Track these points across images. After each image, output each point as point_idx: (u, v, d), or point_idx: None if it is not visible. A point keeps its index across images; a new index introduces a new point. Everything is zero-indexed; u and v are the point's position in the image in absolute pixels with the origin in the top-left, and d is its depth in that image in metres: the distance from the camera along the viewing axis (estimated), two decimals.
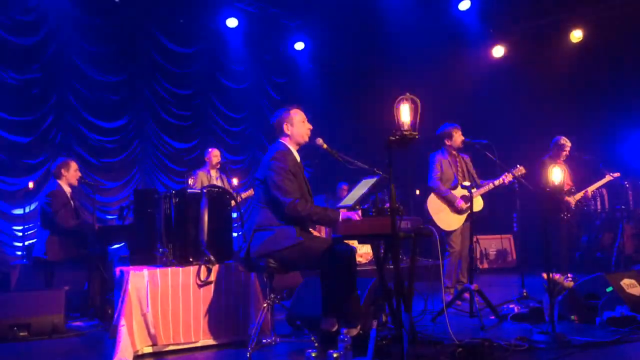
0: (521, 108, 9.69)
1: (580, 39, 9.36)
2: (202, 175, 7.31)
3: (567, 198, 6.47)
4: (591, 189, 6.70)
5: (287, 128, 3.90)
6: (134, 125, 8.86)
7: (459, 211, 5.57)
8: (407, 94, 2.80)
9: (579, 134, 8.34)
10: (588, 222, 8.31)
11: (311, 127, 3.98)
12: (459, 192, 5.60)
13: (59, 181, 5.68)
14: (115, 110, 8.65)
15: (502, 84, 9.68)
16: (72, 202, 5.73)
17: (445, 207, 5.64)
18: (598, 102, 9.03)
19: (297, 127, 3.91)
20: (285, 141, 3.91)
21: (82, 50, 8.22)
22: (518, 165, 5.58)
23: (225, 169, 8.75)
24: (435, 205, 5.65)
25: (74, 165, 5.79)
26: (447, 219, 5.62)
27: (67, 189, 5.71)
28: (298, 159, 3.91)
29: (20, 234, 7.51)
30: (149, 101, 9.05)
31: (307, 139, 3.97)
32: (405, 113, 2.81)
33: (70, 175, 5.72)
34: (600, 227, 8.18)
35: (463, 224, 5.62)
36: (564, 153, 6.56)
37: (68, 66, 8.13)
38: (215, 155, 7.49)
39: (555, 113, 9.24)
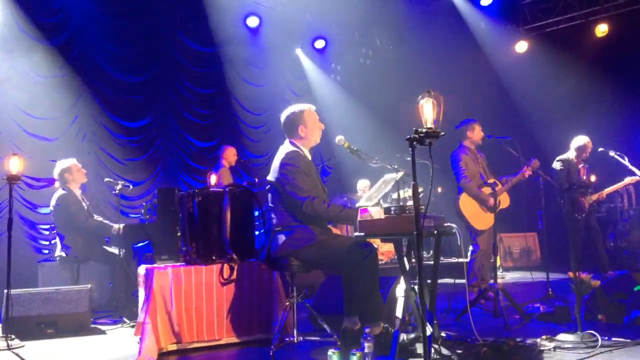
0: (545, 104, 9.55)
1: (606, 33, 9.19)
2: (225, 172, 7.40)
3: (580, 198, 6.36)
4: (607, 191, 6.58)
5: (302, 130, 3.85)
6: (157, 125, 8.95)
7: (491, 209, 5.49)
8: (430, 90, 2.77)
9: (605, 129, 8.19)
10: (615, 220, 8.16)
11: (323, 126, 3.94)
12: (484, 190, 5.54)
13: (68, 185, 5.75)
14: (139, 110, 8.75)
15: (525, 80, 9.55)
16: (84, 202, 5.80)
17: (477, 206, 5.59)
18: (624, 97, 8.85)
19: (312, 129, 3.87)
20: (297, 142, 3.87)
21: (105, 51, 8.33)
22: (533, 159, 5.51)
23: (246, 167, 8.82)
24: (468, 205, 5.60)
25: (75, 166, 5.80)
26: (481, 218, 5.58)
27: (77, 191, 5.77)
28: (309, 157, 3.89)
29: (47, 232, 7.64)
30: (172, 101, 9.13)
31: (318, 140, 3.93)
32: (428, 110, 2.78)
33: (75, 177, 5.76)
34: (628, 225, 8.03)
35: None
36: (584, 155, 6.45)
37: (92, 67, 8.25)
38: (232, 153, 7.58)
39: (580, 108, 9.08)
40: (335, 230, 3.96)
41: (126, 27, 8.44)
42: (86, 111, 8.21)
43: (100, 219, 5.97)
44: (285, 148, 3.86)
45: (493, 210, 5.28)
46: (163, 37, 8.94)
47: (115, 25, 8.33)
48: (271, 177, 3.82)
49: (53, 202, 5.77)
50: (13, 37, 7.58)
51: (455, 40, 9.43)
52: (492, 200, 5.37)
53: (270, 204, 3.86)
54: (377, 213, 3.54)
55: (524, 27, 9.97)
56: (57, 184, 6.88)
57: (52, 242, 7.39)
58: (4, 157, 4.72)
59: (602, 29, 9.18)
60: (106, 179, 6.28)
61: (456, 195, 5.78)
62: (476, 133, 5.74)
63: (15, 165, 4.57)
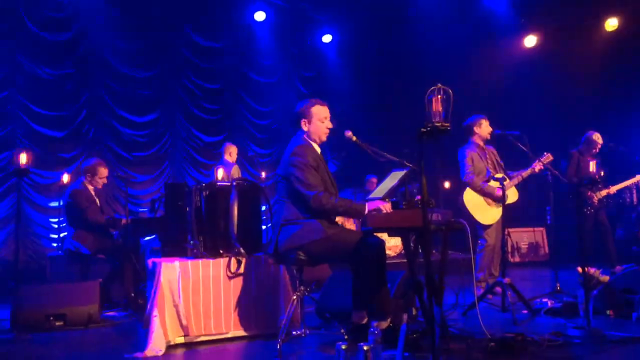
0: (554, 99, 9.48)
1: (616, 28, 9.10)
2: (234, 168, 7.44)
3: (590, 193, 6.32)
4: (616, 187, 6.53)
5: (304, 124, 3.83)
6: (165, 120, 8.99)
7: (497, 203, 5.45)
8: (439, 84, 2.75)
9: (615, 124, 8.14)
10: (624, 216, 8.11)
11: (331, 126, 3.85)
12: (492, 184, 5.51)
13: (85, 181, 5.78)
14: (146, 105, 8.79)
15: (534, 74, 9.49)
16: (96, 199, 5.83)
17: (482, 201, 5.54)
18: (634, 92, 8.78)
19: (315, 125, 3.81)
20: (305, 135, 3.86)
21: (113, 46, 8.36)
22: (545, 153, 5.45)
23: (253, 162, 8.83)
24: (472, 200, 5.55)
25: (101, 172, 5.79)
26: (486, 213, 5.52)
27: (91, 187, 5.80)
28: (319, 151, 3.85)
29: (56, 226, 7.69)
30: (179, 96, 9.16)
31: (324, 139, 3.86)
32: (437, 104, 2.77)
33: (95, 181, 5.78)
34: (636, 221, 7.97)
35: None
36: (594, 151, 6.41)
37: (100, 62, 8.29)
38: (234, 150, 7.62)
39: (589, 104, 9.02)
40: (346, 224, 3.94)
41: (134, 22, 8.47)
42: (94, 106, 8.26)
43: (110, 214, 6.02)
44: (295, 141, 3.84)
45: (501, 203, 5.24)
46: (170, 32, 8.96)
47: (123, 20, 8.35)
48: (281, 170, 3.82)
49: (66, 196, 5.81)
50: (21, 32, 7.62)
51: (463, 34, 9.37)
52: (498, 191, 5.32)
53: (278, 197, 3.86)
54: (384, 207, 3.53)
55: (533, 21, 9.88)
56: (64, 177, 6.92)
57: (62, 235, 7.44)
58: (12, 152, 4.75)
59: (612, 24, 9.09)
60: (117, 175, 6.31)
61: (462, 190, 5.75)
62: (483, 128, 5.70)
63: (23, 159, 4.60)
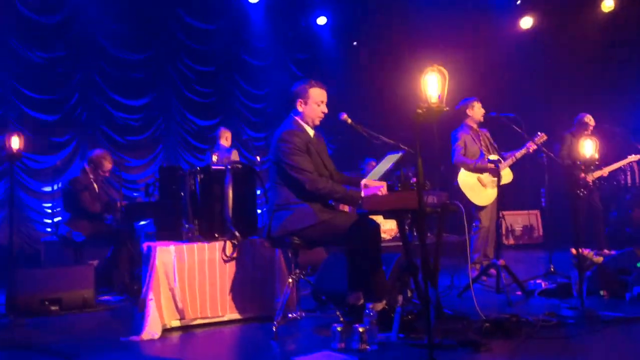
0: (550, 81, 9.46)
1: (612, 9, 9.06)
2: (234, 153, 7.43)
3: (583, 175, 6.34)
4: (609, 169, 6.55)
5: (300, 105, 3.76)
6: (158, 103, 8.91)
7: (492, 184, 5.46)
8: (434, 65, 2.71)
9: (610, 106, 8.13)
10: (618, 197, 8.15)
11: (326, 111, 3.79)
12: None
13: (86, 168, 5.75)
14: (139, 88, 8.71)
15: (530, 56, 9.45)
16: (95, 185, 5.80)
17: (477, 183, 5.56)
18: (630, 73, 8.77)
19: (310, 108, 3.75)
20: (298, 117, 3.79)
21: (106, 29, 8.26)
22: (539, 133, 5.44)
23: (248, 146, 8.79)
24: (466, 182, 5.57)
25: (105, 166, 5.77)
26: (480, 194, 5.54)
27: (91, 175, 5.78)
28: (311, 134, 3.78)
29: (50, 211, 7.66)
30: (172, 79, 9.08)
31: (317, 123, 3.81)
32: (432, 85, 2.73)
33: (93, 171, 5.76)
34: (631, 202, 8.01)
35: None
36: (587, 132, 6.43)
37: (92, 44, 8.18)
38: (229, 135, 7.60)
39: (585, 85, 9.00)
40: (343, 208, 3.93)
41: (126, 4, 8.35)
42: (86, 89, 8.18)
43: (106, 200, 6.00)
44: (284, 125, 3.78)
45: (496, 183, 5.24)
46: (163, 14, 8.86)
47: (115, 2, 8.23)
48: (271, 154, 3.78)
49: (65, 182, 5.79)
50: (12, 15, 7.50)
51: (459, 16, 9.30)
52: (490, 166, 5.33)
53: (271, 182, 3.83)
54: (380, 191, 3.52)
55: (529, 2, 9.82)
56: (58, 162, 6.87)
57: (56, 220, 7.42)
58: (4, 136, 4.70)
59: (608, 4, 9.05)
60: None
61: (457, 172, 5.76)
62: (476, 111, 5.70)
63: (16, 143, 4.55)
